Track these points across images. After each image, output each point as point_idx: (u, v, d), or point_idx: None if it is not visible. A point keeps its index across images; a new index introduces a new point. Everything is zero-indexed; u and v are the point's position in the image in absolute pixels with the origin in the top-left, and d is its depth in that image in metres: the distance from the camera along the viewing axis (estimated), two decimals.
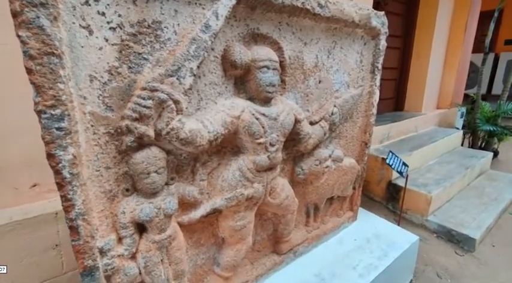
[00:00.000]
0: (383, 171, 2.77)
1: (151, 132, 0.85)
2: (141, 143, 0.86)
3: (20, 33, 0.63)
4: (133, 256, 0.94)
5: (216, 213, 1.10)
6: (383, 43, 1.56)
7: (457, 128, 4.22)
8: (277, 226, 1.41)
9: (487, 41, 3.99)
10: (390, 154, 2.07)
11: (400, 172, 2.02)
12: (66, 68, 0.70)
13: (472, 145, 4.27)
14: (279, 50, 1.17)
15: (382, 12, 1.50)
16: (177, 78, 0.87)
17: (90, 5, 0.73)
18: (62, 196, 0.75)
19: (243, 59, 1.02)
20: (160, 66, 0.86)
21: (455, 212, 2.58)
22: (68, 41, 0.71)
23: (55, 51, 0.67)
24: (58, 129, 0.70)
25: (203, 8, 0.92)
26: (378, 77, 1.63)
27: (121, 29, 0.79)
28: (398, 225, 2.10)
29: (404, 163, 2.07)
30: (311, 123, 1.36)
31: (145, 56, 0.84)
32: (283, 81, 1.23)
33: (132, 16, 0.80)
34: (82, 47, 0.74)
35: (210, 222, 1.15)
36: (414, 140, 3.42)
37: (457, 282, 1.96)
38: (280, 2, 1.06)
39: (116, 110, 0.82)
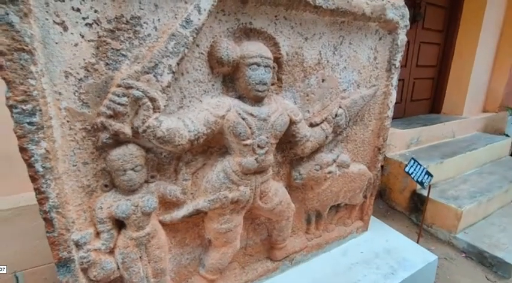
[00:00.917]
0: (407, 178, 2.53)
1: (126, 130, 0.84)
2: (118, 140, 0.86)
3: None
4: (111, 251, 0.95)
5: (199, 214, 1.07)
6: (402, 38, 1.39)
7: (507, 135, 3.72)
8: (271, 231, 1.34)
9: None
10: (412, 161, 1.87)
11: (421, 183, 1.81)
12: (38, 63, 0.71)
13: None
14: (274, 45, 1.09)
15: (402, 3, 1.33)
16: (154, 76, 0.84)
17: (64, 0, 0.73)
18: (35, 189, 0.77)
19: (230, 55, 0.97)
20: (138, 63, 0.84)
21: (491, 231, 2.27)
22: (41, 37, 0.72)
23: (25, 47, 0.68)
24: (29, 123, 0.72)
25: (186, 2, 0.88)
26: (396, 76, 1.46)
27: (98, 25, 0.78)
28: (418, 240, 1.90)
29: (427, 173, 1.85)
30: (311, 125, 1.26)
31: (123, 53, 0.83)
32: (279, 79, 1.15)
33: (109, 12, 0.79)
34: (56, 43, 0.74)
35: (195, 223, 1.13)
36: (449, 146, 3.07)
37: None
38: None
39: (92, 107, 0.82)
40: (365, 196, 1.68)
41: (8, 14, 0.65)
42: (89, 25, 0.77)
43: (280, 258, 1.40)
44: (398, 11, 1.31)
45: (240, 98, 1.05)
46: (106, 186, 0.90)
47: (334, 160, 1.40)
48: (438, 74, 3.73)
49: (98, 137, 0.84)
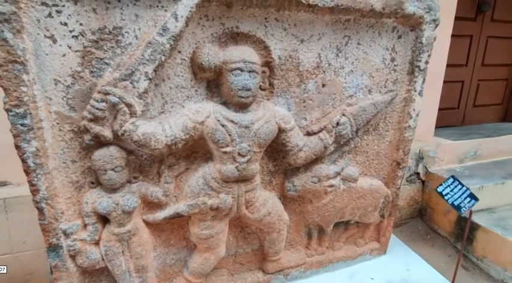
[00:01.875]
0: None
1: (106, 133, 0.91)
2: (101, 142, 0.93)
3: None
4: (97, 243, 1.03)
5: (180, 217, 1.08)
6: (429, 35, 1.17)
7: None
8: (262, 242, 1.29)
9: None
10: (450, 180, 1.57)
11: (457, 207, 1.50)
12: (30, 73, 0.82)
13: None
14: (265, 49, 1.04)
15: None
16: (131, 82, 0.88)
17: (53, 17, 0.82)
18: (28, 182, 0.89)
19: (211, 61, 0.95)
20: (120, 70, 0.89)
21: None
22: (33, 49, 0.82)
23: (18, 59, 0.79)
24: (22, 125, 0.83)
25: (165, 11, 0.90)
26: (420, 80, 1.24)
27: (83, 36, 0.86)
28: (455, 276, 1.60)
29: (471, 196, 1.53)
30: (308, 134, 1.17)
31: (106, 61, 0.89)
32: (271, 84, 1.09)
33: (93, 24, 0.86)
34: (47, 54, 0.84)
35: (180, 225, 1.15)
36: None
37: None
38: None
39: (79, 111, 0.90)
40: (382, 216, 1.48)
41: (3, 31, 0.76)
42: (75, 37, 0.85)
43: (273, 271, 1.33)
44: (422, 4, 1.12)
45: (225, 103, 1.03)
46: (92, 183, 0.99)
47: (338, 173, 1.27)
48: None
49: (83, 138, 0.92)
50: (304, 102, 1.14)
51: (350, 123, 1.19)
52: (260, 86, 1.06)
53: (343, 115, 1.18)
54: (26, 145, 0.85)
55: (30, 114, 0.83)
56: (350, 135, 1.21)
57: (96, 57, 0.88)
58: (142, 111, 0.93)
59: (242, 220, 1.20)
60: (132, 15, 0.88)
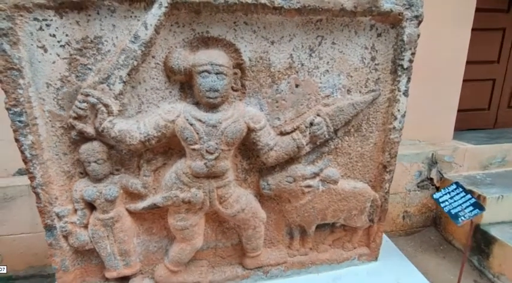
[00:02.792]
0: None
1: (88, 129, 1.03)
2: (85, 137, 1.06)
3: None
4: (86, 227, 1.17)
5: (157, 208, 1.18)
6: (410, 32, 1.11)
7: None
8: (240, 238, 1.33)
9: None
10: (453, 186, 1.45)
11: (454, 216, 1.38)
12: (25, 78, 0.97)
13: None
14: (235, 52, 1.09)
15: None
16: (107, 85, 1.00)
17: (43, 30, 0.96)
18: (26, 170, 1.05)
19: (181, 64, 1.03)
20: (99, 74, 1.01)
21: None
22: (28, 58, 0.97)
23: (14, 67, 0.94)
24: (19, 121, 0.99)
25: (138, 20, 0.99)
26: (404, 79, 1.18)
27: (69, 45, 0.99)
28: None
29: (476, 205, 1.40)
30: (282, 134, 1.18)
31: (89, 67, 1.02)
32: (243, 85, 1.13)
33: (77, 34, 0.99)
34: (39, 62, 0.98)
35: (161, 216, 1.25)
36: None
37: None
38: (223, 1, 0.98)
39: (67, 110, 1.04)
40: (371, 220, 1.43)
41: (2, 44, 0.91)
42: (63, 46, 0.99)
43: (252, 267, 1.37)
44: (400, 0, 1.07)
45: (197, 104, 1.10)
46: (81, 173, 1.13)
47: (316, 174, 1.26)
48: None
49: (71, 134, 1.06)
50: (276, 102, 1.16)
51: (326, 124, 1.18)
52: (232, 86, 1.11)
53: (318, 115, 1.17)
54: (23, 138, 1.01)
55: (26, 112, 0.98)
56: (327, 136, 1.20)
57: (81, 64, 1.01)
58: (119, 111, 1.04)
59: (219, 215, 1.26)
60: (109, 25, 0.99)
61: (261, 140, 1.13)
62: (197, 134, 1.06)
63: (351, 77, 1.18)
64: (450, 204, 1.41)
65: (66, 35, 0.98)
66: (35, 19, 0.94)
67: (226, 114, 1.09)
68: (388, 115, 1.24)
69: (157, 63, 1.06)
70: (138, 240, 1.27)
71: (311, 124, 1.16)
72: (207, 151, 1.07)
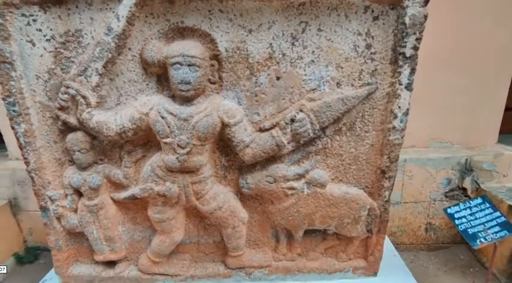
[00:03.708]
0: None
1: (71, 119, 1.08)
2: (71, 127, 1.11)
3: None
4: (75, 211, 1.25)
5: (136, 199, 1.20)
6: (413, 12, 0.92)
7: None
8: (222, 236, 1.29)
9: None
10: (478, 200, 1.20)
11: (471, 236, 1.14)
12: (17, 70, 1.05)
13: None
14: (211, 42, 1.03)
15: None
16: (85, 77, 1.03)
17: (30, 25, 1.02)
18: (22, 155, 1.14)
19: (154, 56, 1.01)
20: (78, 67, 1.05)
21: None
22: (19, 52, 1.04)
23: (6, 60, 1.02)
24: (13, 111, 1.08)
25: (113, 12, 1.00)
26: (407, 70, 0.99)
27: (54, 39, 1.04)
28: None
29: (506, 225, 1.14)
30: (261, 130, 1.10)
31: (72, 59, 1.06)
32: (220, 77, 1.08)
33: (60, 28, 1.03)
34: (29, 55, 1.05)
35: (144, 206, 1.26)
36: None
37: None
38: None
39: (54, 101, 1.11)
40: (369, 231, 1.27)
41: None
42: (48, 40, 1.04)
43: (233, 267, 1.32)
44: None
45: (173, 97, 1.08)
46: (70, 161, 1.20)
47: (301, 175, 1.15)
48: None
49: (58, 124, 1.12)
50: (256, 96, 1.08)
51: (310, 121, 1.06)
52: (209, 79, 1.07)
53: (301, 111, 1.06)
54: (17, 127, 1.10)
55: (18, 103, 1.07)
56: (311, 134, 1.08)
57: (65, 57, 1.06)
58: (98, 103, 1.07)
59: (199, 211, 1.24)
60: (88, 18, 1.02)
61: (235, 136, 1.07)
62: (168, 127, 1.04)
63: (341, 68, 1.04)
64: (469, 221, 1.17)
65: (51, 29, 1.03)
66: (23, 15, 1.01)
67: (199, 108, 1.04)
68: (387, 112, 1.07)
69: (134, 56, 1.06)
70: (124, 228, 1.31)
71: (292, 120, 1.06)
72: (178, 145, 1.05)
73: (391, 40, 0.99)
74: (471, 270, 1.83)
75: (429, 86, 1.78)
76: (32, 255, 2.06)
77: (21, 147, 1.13)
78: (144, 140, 1.16)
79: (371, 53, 1.02)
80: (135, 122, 1.05)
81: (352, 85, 1.06)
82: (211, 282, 1.35)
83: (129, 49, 1.05)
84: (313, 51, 1.03)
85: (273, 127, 1.08)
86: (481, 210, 1.18)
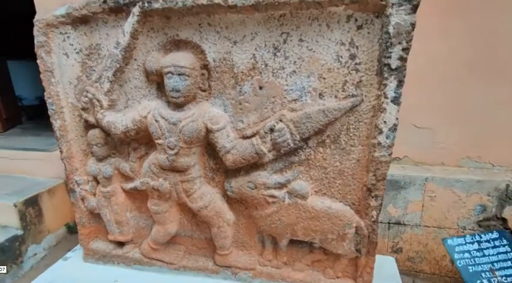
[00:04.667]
0: None
1: (90, 118, 1.30)
2: (91, 125, 1.33)
3: (37, 61, 1.29)
4: (95, 195, 1.48)
5: (138, 190, 1.36)
6: (398, 21, 0.84)
7: None
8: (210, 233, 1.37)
9: None
10: (493, 234, 1.02)
11: (471, 276, 0.95)
12: (55, 77, 1.30)
13: None
14: (202, 53, 1.12)
15: None
16: (99, 84, 1.22)
17: (65, 41, 1.26)
18: (58, 145, 1.41)
19: (153, 66, 1.15)
20: (96, 75, 1.25)
21: None
22: (58, 63, 1.30)
23: (48, 69, 1.29)
24: (52, 109, 1.34)
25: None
26: (393, 83, 0.91)
27: (81, 52, 1.27)
28: None
29: None
30: (244, 137, 1.14)
31: (94, 68, 1.27)
32: (210, 85, 1.15)
33: (85, 43, 1.25)
34: (64, 65, 1.30)
35: (147, 198, 1.43)
36: None
37: None
38: (181, 5, 1.03)
39: (80, 102, 1.34)
40: (358, 251, 1.19)
41: (41, 53, 1.26)
42: (77, 53, 1.27)
43: (220, 265, 1.39)
44: None
45: (168, 102, 1.20)
46: (92, 153, 1.43)
47: (282, 184, 1.15)
48: None
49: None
50: (240, 104, 1.12)
51: (290, 131, 1.06)
52: (200, 87, 1.15)
53: (281, 121, 1.06)
54: (54, 122, 1.36)
55: (55, 103, 1.33)
56: (291, 144, 1.07)
57: (89, 66, 1.28)
58: (109, 105, 1.26)
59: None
60: (104, 34, 1.21)
61: (218, 142, 1.13)
62: (160, 130, 1.16)
63: (324, 78, 1.01)
64: (473, 257, 0.99)
65: (79, 44, 1.25)
66: (60, 33, 1.25)
67: (188, 114, 1.14)
68: (372, 127, 0.99)
69: (139, 65, 1.21)
70: (131, 214, 1.50)
71: (272, 130, 1.07)
72: (168, 146, 1.16)
73: (375, 50, 0.92)
74: None
75: (466, 96, 1.54)
76: None
77: (57, 139, 1.40)
78: (146, 139, 1.31)
79: (355, 64, 0.96)
80: (136, 123, 1.21)
81: (336, 96, 1.02)
82: (200, 275, 1.44)
83: (135, 59, 1.20)
84: (295, 62, 1.02)
85: (254, 135, 1.11)
86: (494, 247, 0.99)
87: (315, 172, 1.13)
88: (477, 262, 1.01)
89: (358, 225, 1.14)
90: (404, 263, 1.79)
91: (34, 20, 1.24)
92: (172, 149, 1.16)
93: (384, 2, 0.84)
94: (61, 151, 1.42)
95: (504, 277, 0.94)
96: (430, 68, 1.58)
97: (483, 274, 0.97)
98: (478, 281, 0.96)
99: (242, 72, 1.09)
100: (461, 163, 1.64)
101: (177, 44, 1.15)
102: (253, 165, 1.16)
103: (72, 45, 1.26)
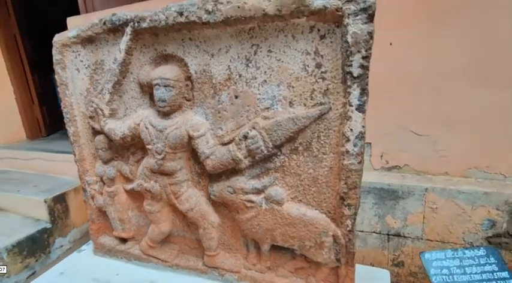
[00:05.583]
0: None
1: (96, 126, 1.46)
2: (97, 131, 1.50)
3: (55, 76, 1.50)
4: (102, 194, 1.65)
5: (135, 191, 1.49)
6: (355, 30, 0.84)
7: None
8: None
9: None
10: (480, 251, 0.94)
11: None
12: (69, 90, 1.50)
13: None
14: (185, 66, 1.22)
15: None
16: (102, 95, 1.38)
17: (76, 57, 1.45)
18: (72, 149, 1.61)
19: (143, 79, 1.27)
20: (99, 87, 1.41)
21: None
22: (71, 77, 1.49)
23: (63, 83, 1.48)
24: (67, 117, 1.54)
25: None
26: (356, 91, 0.90)
27: (89, 67, 1.44)
28: None
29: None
30: (223, 144, 1.20)
31: (99, 81, 1.44)
32: (193, 95, 1.24)
33: (92, 59, 1.42)
34: (76, 79, 1.49)
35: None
36: None
37: None
38: (164, 23, 1.13)
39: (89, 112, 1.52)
40: (338, 260, 1.18)
41: (57, 69, 1.47)
42: (86, 68, 1.45)
43: (208, 265, 1.45)
44: None
45: (158, 111, 1.31)
46: (98, 156, 1.60)
47: (259, 190, 1.18)
48: None
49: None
50: (219, 112, 1.19)
51: (262, 138, 1.09)
52: (185, 97, 1.25)
53: (254, 128, 1.11)
54: (69, 128, 1.56)
55: (70, 112, 1.52)
56: (265, 151, 1.11)
57: (95, 79, 1.45)
58: (110, 114, 1.41)
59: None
60: (106, 51, 1.36)
61: (198, 148, 1.21)
62: (150, 136, 1.27)
63: (293, 87, 1.03)
64: (451, 275, 0.92)
65: (87, 60, 1.43)
66: (73, 51, 1.44)
67: (173, 121, 1.24)
68: (340, 135, 0.99)
69: (134, 78, 1.34)
70: (132, 213, 1.63)
71: (245, 137, 1.12)
72: (155, 151, 1.27)
73: (340, 59, 0.93)
74: None
75: (473, 102, 1.44)
76: None
77: (71, 143, 1.59)
78: (141, 144, 1.42)
79: (322, 72, 0.98)
80: (131, 130, 1.33)
81: (305, 104, 1.03)
82: (190, 274, 1.51)
83: (131, 73, 1.34)
84: (265, 72, 1.06)
85: (231, 142, 1.17)
86: (479, 265, 0.91)
87: (290, 179, 1.15)
88: (456, 280, 0.93)
89: (335, 233, 1.12)
90: (407, 278, 1.67)
91: (53, 41, 1.45)
92: (159, 154, 1.26)
93: (340, 13, 0.85)
94: (74, 155, 1.61)
95: None
96: (427, 72, 1.49)
97: None
98: None
99: (220, 83, 1.16)
100: (467, 174, 1.50)
101: (165, 58, 1.25)
102: (233, 170, 1.21)
103: (82, 61, 1.44)
